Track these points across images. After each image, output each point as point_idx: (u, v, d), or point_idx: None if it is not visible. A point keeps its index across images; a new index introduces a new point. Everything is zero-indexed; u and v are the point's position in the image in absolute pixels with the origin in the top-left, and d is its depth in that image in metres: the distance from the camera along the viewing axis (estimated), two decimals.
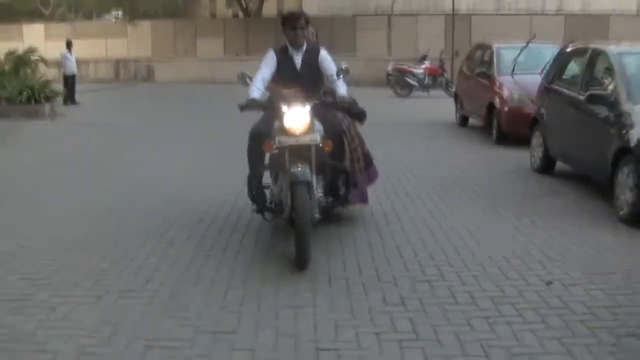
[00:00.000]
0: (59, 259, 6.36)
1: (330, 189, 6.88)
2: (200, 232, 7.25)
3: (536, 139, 10.80)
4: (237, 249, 6.64)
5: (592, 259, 6.38)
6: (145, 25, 40.45)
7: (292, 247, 6.03)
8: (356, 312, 5.11)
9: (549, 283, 5.64)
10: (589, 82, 9.40)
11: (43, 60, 22.21)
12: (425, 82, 25.29)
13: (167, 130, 15.81)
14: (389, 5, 39.21)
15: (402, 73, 25.64)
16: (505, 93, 13.26)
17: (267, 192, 6.97)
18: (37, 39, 35.71)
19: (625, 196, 7.73)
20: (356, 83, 24.30)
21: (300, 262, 5.95)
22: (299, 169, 6.09)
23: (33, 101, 17.85)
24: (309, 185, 6.06)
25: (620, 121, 8.13)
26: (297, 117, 6.26)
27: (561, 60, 10.92)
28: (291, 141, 6.22)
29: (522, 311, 5.05)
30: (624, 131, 7.98)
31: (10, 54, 21.38)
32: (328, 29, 35.37)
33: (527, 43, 14.12)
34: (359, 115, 7.36)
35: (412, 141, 13.95)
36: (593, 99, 8.81)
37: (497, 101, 13.50)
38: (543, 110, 10.83)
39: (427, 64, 26.31)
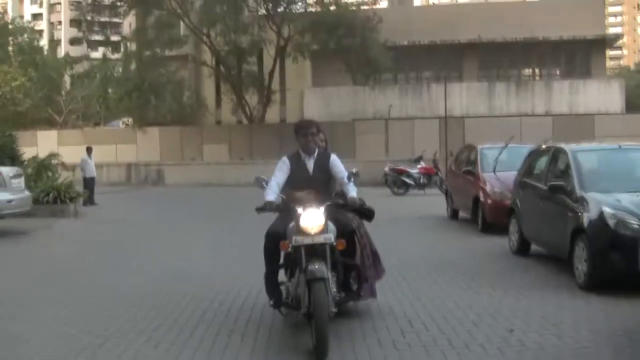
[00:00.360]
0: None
1: (343, 285, 7.25)
2: (226, 326, 7.56)
3: (512, 226, 12.10)
4: (252, 343, 6.95)
5: (549, 314, 7.72)
6: (154, 132, 42.44)
7: (310, 339, 6.47)
8: None
9: (511, 330, 7.05)
10: (552, 175, 10.81)
11: (63, 164, 23.84)
12: (421, 181, 26.90)
13: (181, 228, 17.21)
14: (387, 110, 41.28)
15: (398, 173, 27.27)
16: (488, 188, 14.73)
17: (283, 288, 7.34)
18: (51, 144, 37.51)
19: (581, 267, 9.06)
20: (358, 184, 26.02)
21: (320, 354, 6.26)
22: (316, 266, 6.47)
23: (59, 201, 19.39)
24: (325, 281, 6.43)
25: (576, 206, 9.46)
26: (312, 218, 6.71)
27: (531, 158, 12.33)
28: (307, 240, 6.67)
29: (488, 347, 6.50)
30: (578, 214, 9.29)
31: (32, 159, 22.98)
32: (329, 134, 37.05)
33: (506, 144, 15.71)
34: (368, 214, 7.74)
35: (408, 234, 15.30)
36: (554, 188, 10.17)
37: (481, 195, 15.00)
38: (517, 201, 12.20)
39: (422, 164, 28.04)
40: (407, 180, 26.86)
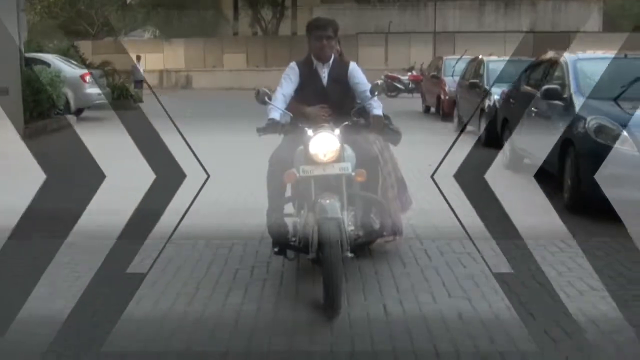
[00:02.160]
0: None
1: (362, 222, 5.87)
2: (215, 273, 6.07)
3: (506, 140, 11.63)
4: (259, 295, 5.55)
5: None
6: (179, 42, 47.64)
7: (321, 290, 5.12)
8: None
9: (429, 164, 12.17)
10: (548, 82, 10.01)
11: (116, 70, 29.23)
12: (409, 86, 32.18)
13: (212, 122, 21.97)
14: (387, 24, 46.31)
15: (391, 80, 32.54)
16: (446, 88, 20.12)
17: (290, 223, 5.92)
18: (87, 54, 42.77)
19: (567, 185, 8.27)
20: None
21: (331, 310, 5.02)
22: (327, 202, 5.20)
23: (122, 98, 24.88)
24: (338, 221, 5.12)
25: (568, 113, 8.70)
26: (325, 143, 5.36)
27: (529, 69, 11.93)
28: (318, 171, 5.36)
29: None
30: (570, 123, 8.43)
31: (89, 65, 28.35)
32: None
33: (461, 56, 21.01)
34: (393, 136, 6.53)
35: (396, 122, 20.80)
36: (548, 93, 9.35)
37: (441, 94, 20.42)
38: (509, 113, 11.89)
39: (413, 73, 33.32)
40: (398, 85, 32.10)
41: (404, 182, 6.75)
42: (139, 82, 29.70)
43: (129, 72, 30.33)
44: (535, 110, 10.29)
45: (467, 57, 19.99)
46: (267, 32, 47.35)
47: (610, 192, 7.52)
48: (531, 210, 8.23)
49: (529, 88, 11.12)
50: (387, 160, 6.46)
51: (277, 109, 5.80)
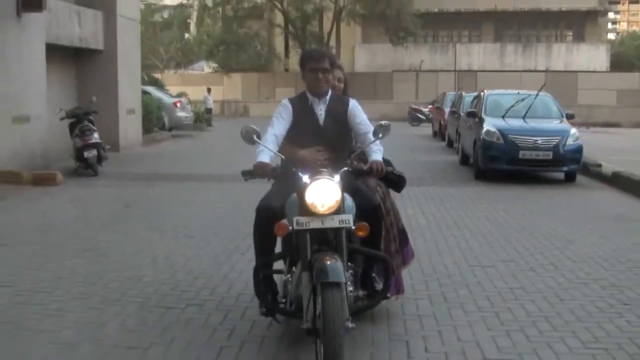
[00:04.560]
0: None
1: (362, 282, 5.07)
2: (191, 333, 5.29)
3: (459, 145, 18.72)
4: None
5: (449, 193, 14.97)
6: (237, 77, 54.92)
7: None
8: None
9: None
10: (473, 107, 17.00)
11: (190, 100, 36.33)
12: (429, 117, 38.78)
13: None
14: (418, 63, 53.09)
15: (415, 111, 39.14)
16: (446, 116, 26.65)
17: (280, 281, 5.18)
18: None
19: (475, 164, 14.92)
20: (391, 119, 38.67)
21: None
22: (329, 263, 4.25)
23: (197, 121, 31.88)
24: (341, 287, 4.19)
25: (479, 124, 15.03)
26: (324, 192, 4.43)
27: (474, 100, 18.83)
28: (315, 223, 4.42)
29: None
30: (478, 129, 14.73)
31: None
32: (372, 82, 49.80)
33: (460, 92, 27.55)
34: (397, 182, 5.69)
35: (405, 141, 27.18)
36: (469, 114, 16.24)
37: (441, 121, 27.03)
38: (460, 127, 18.85)
39: (432, 105, 39.97)
40: (420, 116, 38.68)
41: (406, 234, 6.05)
42: (209, 110, 36.78)
43: (201, 101, 37.40)
44: (467, 124, 17.21)
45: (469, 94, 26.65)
46: None
47: (490, 166, 14.41)
48: (461, 177, 15.22)
49: (470, 110, 17.56)
50: (389, 209, 5.73)
51: (267, 151, 4.87)
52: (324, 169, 4.69)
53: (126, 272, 7.04)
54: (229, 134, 18.61)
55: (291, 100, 5.31)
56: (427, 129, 33.92)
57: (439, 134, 27.53)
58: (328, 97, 5.26)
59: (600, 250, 8.34)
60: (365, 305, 5.00)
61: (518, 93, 16.62)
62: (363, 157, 5.19)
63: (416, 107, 39.72)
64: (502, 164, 14.30)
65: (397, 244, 5.81)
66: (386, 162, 5.21)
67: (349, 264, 4.74)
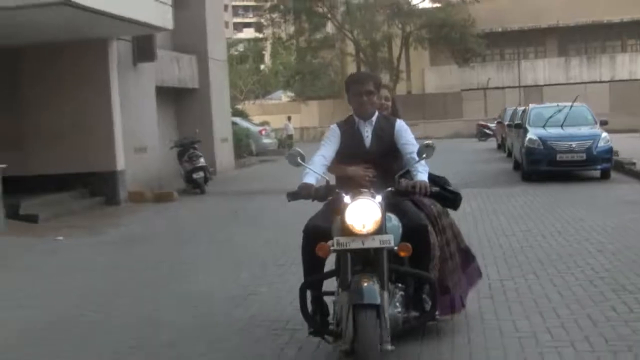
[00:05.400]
0: None
1: (414, 302, 5.04)
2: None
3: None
4: None
5: (500, 193, 18.73)
6: (314, 104, 58.11)
7: None
8: None
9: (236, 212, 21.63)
10: (520, 119, 20.38)
11: (272, 128, 39.57)
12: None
13: None
14: (486, 82, 55.40)
15: (482, 127, 41.55)
16: (506, 129, 29.06)
17: (331, 302, 5.09)
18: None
19: (522, 167, 17.83)
20: (461, 135, 41.02)
21: None
22: (365, 285, 4.32)
23: (279, 147, 34.96)
24: (378, 309, 4.27)
25: (524, 133, 17.80)
26: (363, 211, 4.48)
27: (521, 112, 22.24)
28: (355, 244, 4.45)
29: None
30: (523, 138, 17.59)
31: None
32: (442, 102, 52.43)
33: (517, 107, 29.97)
34: (452, 199, 5.66)
35: (469, 156, 29.74)
36: (516, 125, 19.57)
37: (503, 133, 29.46)
38: (512, 137, 22.11)
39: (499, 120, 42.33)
40: (487, 132, 41.04)
41: (471, 252, 6.03)
42: (290, 136, 39.96)
43: (282, 129, 40.58)
44: (515, 134, 19.75)
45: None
46: None
47: (533, 168, 16.95)
48: (510, 180, 17.79)
49: (517, 122, 20.32)
50: (445, 227, 5.64)
51: (312, 173, 4.92)
52: (365, 190, 4.73)
53: (245, 251, 9.96)
54: (308, 156, 22.44)
55: (339, 124, 5.43)
56: (493, 143, 36.24)
57: (502, 146, 29.93)
58: (374, 118, 5.32)
59: (602, 223, 10.83)
60: (412, 326, 4.98)
61: (557, 105, 19.05)
62: (408, 176, 5.05)
63: (483, 123, 42.05)
64: (543, 166, 16.85)
65: (454, 263, 5.72)
66: (439, 179, 5.53)
67: (399, 284, 4.90)
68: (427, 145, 4.84)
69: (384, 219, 4.53)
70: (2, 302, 7.68)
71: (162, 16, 15.53)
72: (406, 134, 5.29)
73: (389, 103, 5.79)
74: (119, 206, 15.97)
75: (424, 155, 4.86)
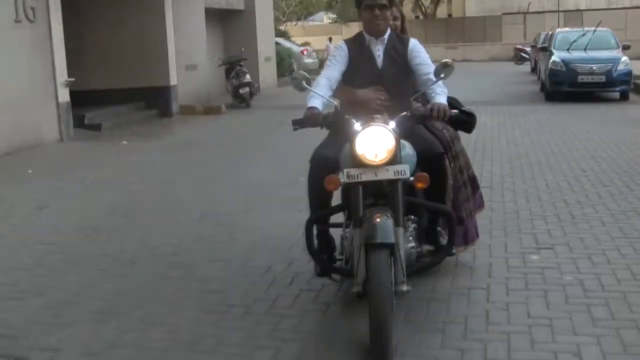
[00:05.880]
0: None
1: (427, 235, 4.71)
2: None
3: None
4: (288, 336, 4.28)
5: (521, 110, 21.86)
6: (355, 26, 58.91)
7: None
8: None
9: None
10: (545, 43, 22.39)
11: (313, 49, 40.64)
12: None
13: None
14: (527, 5, 55.70)
15: (519, 51, 42.31)
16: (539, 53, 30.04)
17: (339, 237, 4.71)
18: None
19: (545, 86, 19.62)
20: (499, 59, 41.62)
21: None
22: (378, 221, 3.87)
23: (322, 67, 36.19)
24: (392, 248, 3.87)
25: (549, 55, 19.42)
26: (376, 140, 4.00)
27: (546, 37, 26.01)
28: (367, 175, 4.01)
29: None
30: (548, 60, 19.08)
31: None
32: (482, 25, 52.95)
33: (550, 31, 30.83)
34: (467, 122, 5.18)
35: (506, 77, 30.76)
36: (543, 48, 21.36)
37: (535, 57, 30.41)
38: (540, 60, 23.84)
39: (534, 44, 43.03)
40: (524, 55, 41.81)
41: (476, 181, 5.72)
42: None
43: (323, 50, 41.75)
44: (542, 56, 20.91)
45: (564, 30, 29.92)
46: (426, 15, 57.74)
47: (555, 88, 18.15)
48: (534, 100, 19.04)
49: (542, 46, 21.45)
50: (458, 154, 5.29)
51: (318, 97, 4.43)
52: (378, 115, 4.21)
53: (289, 151, 11.50)
54: None
55: (347, 42, 4.86)
56: (529, 67, 37.13)
57: (535, 69, 30.90)
58: (386, 36, 4.76)
59: (606, 136, 12.15)
60: (428, 263, 4.64)
61: (582, 30, 20.10)
62: (424, 99, 4.70)
63: (520, 47, 42.77)
64: (565, 87, 18.04)
65: (467, 191, 5.37)
66: (453, 101, 4.99)
67: (412, 217, 4.52)
68: (445, 65, 4.33)
69: (398, 147, 4.04)
70: (88, 188, 9.34)
71: None
72: (421, 54, 4.78)
73: (398, 22, 5.22)
74: (171, 118, 17.57)
75: (442, 75, 4.36)
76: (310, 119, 4.43)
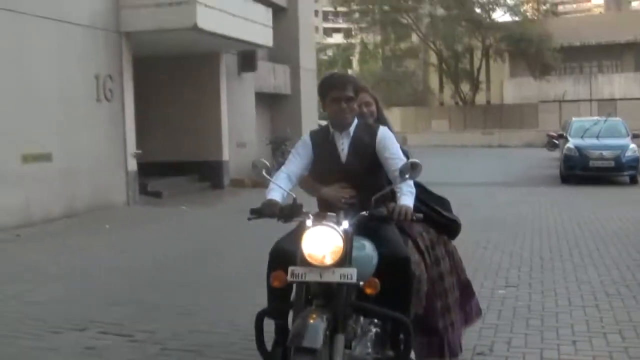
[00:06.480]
0: None
1: (391, 340, 4.34)
2: None
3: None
4: None
5: (539, 191, 22.76)
6: (396, 111, 61.42)
7: None
8: None
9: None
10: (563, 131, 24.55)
11: None
12: None
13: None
14: (562, 94, 57.84)
15: (551, 137, 44.16)
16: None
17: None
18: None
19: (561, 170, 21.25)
20: (535, 145, 43.18)
21: None
22: (311, 322, 3.62)
23: None
24: (315, 355, 3.52)
25: (566, 142, 21.57)
26: (323, 240, 3.80)
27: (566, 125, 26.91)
28: (312, 276, 3.79)
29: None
30: (564, 147, 21.66)
31: None
32: (519, 112, 55.11)
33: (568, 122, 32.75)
34: (448, 227, 5.05)
35: (535, 162, 32.43)
36: (560, 135, 23.59)
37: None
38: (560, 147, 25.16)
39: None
40: (555, 142, 43.64)
41: (470, 287, 5.37)
42: None
43: None
44: (554, 141, 23.28)
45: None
46: (465, 101, 60.08)
47: (569, 172, 20.14)
48: (552, 183, 20.87)
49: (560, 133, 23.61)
50: (439, 258, 4.97)
51: (278, 188, 4.35)
52: (332, 213, 3.98)
53: None
54: None
55: (312, 135, 4.69)
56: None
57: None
58: (352, 128, 4.53)
59: (607, 214, 13.83)
60: None
61: (596, 119, 22.10)
62: (392, 197, 4.29)
63: (552, 133, 44.62)
64: (578, 170, 20.00)
65: (449, 300, 5.02)
66: (438, 202, 4.95)
67: (376, 321, 4.26)
68: (413, 164, 4.04)
69: (347, 249, 3.78)
70: (156, 240, 11.45)
71: (264, 36, 19.30)
72: (391, 146, 4.49)
73: (372, 108, 4.95)
74: (223, 189, 19.78)
75: (407, 176, 4.08)
76: (267, 208, 4.25)
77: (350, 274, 3.73)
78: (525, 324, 6.31)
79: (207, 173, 20.10)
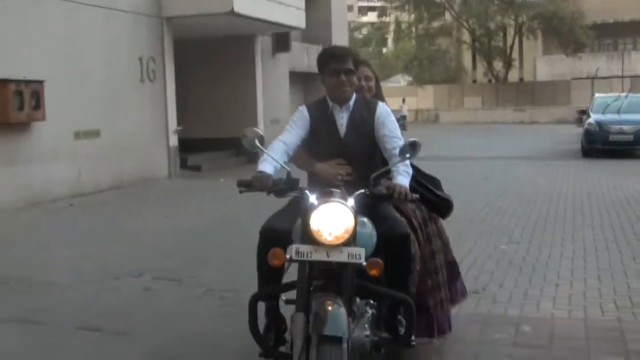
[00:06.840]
0: None
1: (386, 323, 4.20)
2: None
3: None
4: None
5: (561, 164, 23.31)
6: (429, 88, 62.09)
7: None
8: None
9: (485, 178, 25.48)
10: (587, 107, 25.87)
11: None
12: None
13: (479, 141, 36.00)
14: (594, 71, 58.07)
15: (581, 112, 44.64)
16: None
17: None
18: None
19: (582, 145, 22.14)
20: (566, 122, 43.64)
21: None
22: (330, 309, 3.46)
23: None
24: (342, 342, 3.39)
25: (587, 118, 22.30)
26: (333, 217, 3.57)
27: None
28: (319, 255, 3.56)
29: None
30: (586, 122, 22.31)
31: None
32: (552, 89, 55.49)
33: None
34: (441, 206, 4.92)
35: (562, 137, 33.04)
36: (582, 111, 24.65)
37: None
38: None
39: None
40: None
41: (457, 267, 5.34)
42: (404, 117, 44.27)
43: (397, 110, 44.94)
44: (583, 117, 23.59)
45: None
46: (498, 79, 60.53)
47: (590, 146, 21.08)
48: (574, 156, 21.75)
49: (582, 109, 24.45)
50: (431, 236, 4.90)
51: (271, 160, 4.11)
52: (336, 190, 3.78)
53: None
54: (422, 134, 27.10)
55: (309, 107, 4.51)
56: None
57: None
58: (352, 102, 4.40)
59: (618, 184, 14.76)
60: (384, 353, 4.03)
61: (618, 95, 22.84)
62: (389, 176, 4.16)
63: (582, 109, 45.16)
64: (598, 144, 20.83)
65: (439, 278, 4.91)
66: (430, 181, 4.85)
67: (371, 302, 4.08)
68: (412, 144, 3.92)
69: (357, 226, 3.60)
70: (197, 208, 12.58)
71: (297, 18, 20.34)
72: (389, 123, 4.39)
73: (372, 83, 4.87)
74: None
75: (407, 155, 3.96)
76: (258, 181, 3.97)
77: (359, 254, 3.56)
78: (518, 271, 7.33)
79: (244, 148, 20.93)
